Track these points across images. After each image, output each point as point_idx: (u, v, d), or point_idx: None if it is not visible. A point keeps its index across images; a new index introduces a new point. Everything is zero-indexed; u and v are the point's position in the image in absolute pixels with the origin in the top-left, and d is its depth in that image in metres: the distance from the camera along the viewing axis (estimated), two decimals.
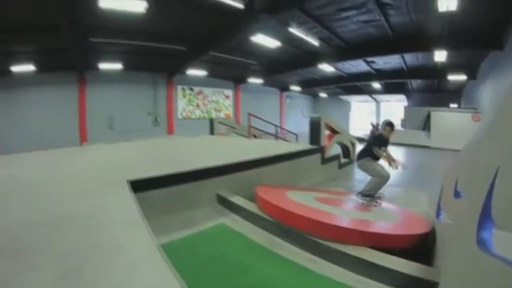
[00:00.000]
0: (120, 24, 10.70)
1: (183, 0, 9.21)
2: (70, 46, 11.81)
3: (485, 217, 1.11)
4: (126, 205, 2.29)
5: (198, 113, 19.28)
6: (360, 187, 4.63)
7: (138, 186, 2.69)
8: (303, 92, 25.11)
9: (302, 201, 2.99)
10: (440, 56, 12.68)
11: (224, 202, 3.23)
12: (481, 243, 1.06)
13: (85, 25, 10.52)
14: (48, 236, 1.71)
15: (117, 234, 1.77)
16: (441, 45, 11.73)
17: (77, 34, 10.88)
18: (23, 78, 14.98)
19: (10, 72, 14.03)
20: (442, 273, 1.66)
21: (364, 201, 3.94)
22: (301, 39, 11.68)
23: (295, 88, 22.35)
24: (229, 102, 20.78)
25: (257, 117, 11.32)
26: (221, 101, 20.29)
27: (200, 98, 19.36)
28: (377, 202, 4.01)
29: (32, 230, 1.80)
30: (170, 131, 17.89)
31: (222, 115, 19.80)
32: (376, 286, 1.95)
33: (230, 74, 18.62)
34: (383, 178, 4.19)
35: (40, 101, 15.95)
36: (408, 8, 9.70)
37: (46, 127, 15.83)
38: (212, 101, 19.98)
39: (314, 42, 12.06)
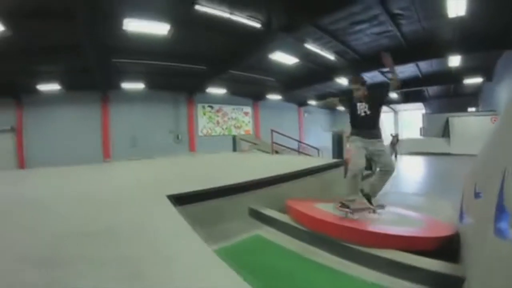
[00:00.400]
0: (143, 45, 11.20)
1: (203, 21, 9.64)
2: (93, 67, 12.38)
3: (500, 210, 1.25)
4: (172, 216, 2.43)
5: (218, 130, 19.63)
6: (383, 198, 4.66)
7: (177, 200, 2.83)
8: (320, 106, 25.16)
9: (332, 211, 3.12)
10: (454, 60, 12.66)
11: (256, 215, 3.36)
12: (498, 232, 1.21)
13: (108, 46, 11.05)
14: (105, 244, 1.83)
15: (171, 242, 1.89)
16: (454, 49, 11.75)
17: (100, 55, 11.41)
18: (49, 97, 15.71)
19: (37, 90, 14.73)
20: (467, 268, 1.76)
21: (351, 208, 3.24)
22: (317, 54, 11.91)
23: (313, 102, 22.47)
24: (248, 119, 21.02)
25: (279, 133, 11.46)
26: (240, 118, 20.55)
27: (220, 116, 19.70)
28: (378, 209, 3.43)
29: (90, 238, 1.92)
30: (191, 149, 18.22)
31: (242, 131, 20.03)
32: (407, 286, 2.04)
33: (249, 91, 18.95)
34: (393, 167, 3.79)
35: (65, 118, 16.65)
36: (419, 16, 9.82)
37: (70, 143, 16.45)
38: (232, 118, 20.24)
39: (330, 56, 12.25)
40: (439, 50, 12.07)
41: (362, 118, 3.85)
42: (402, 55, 12.64)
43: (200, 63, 13.11)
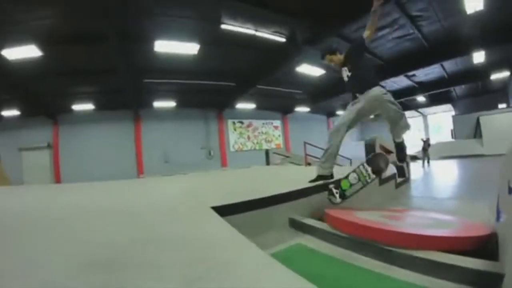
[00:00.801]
0: (173, 65, 11.77)
1: (230, 39, 10.00)
2: (126, 87, 12.97)
3: None
4: (221, 225, 2.53)
5: (249, 144, 20.00)
6: (419, 203, 4.64)
7: (220, 211, 2.94)
8: None
9: (371, 218, 3.20)
10: (478, 56, 12.45)
11: (296, 225, 3.46)
12: None
13: (140, 68, 11.60)
14: (163, 250, 1.89)
15: (226, 247, 1.95)
16: (477, 45, 11.64)
17: (132, 76, 11.97)
18: (83, 115, 16.56)
19: (72, 110, 15.55)
20: (506, 264, 1.80)
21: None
22: None
23: (341, 112, 22.43)
24: (278, 133, 21.28)
25: (312, 145, 11.49)
26: (270, 132, 20.84)
27: (250, 130, 20.01)
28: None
29: (147, 245, 1.98)
30: (223, 164, 18.51)
31: (272, 145, 20.29)
32: (447, 285, 2.08)
33: (278, 105, 19.29)
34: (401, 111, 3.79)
35: (99, 136, 17.60)
36: (438, 15, 9.82)
37: (104, 160, 17.31)
38: (262, 133, 20.49)
39: None
40: (462, 48, 11.96)
41: (348, 82, 3.98)
42: (425, 56, 12.56)
43: (229, 79, 13.51)
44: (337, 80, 14.95)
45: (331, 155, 4.00)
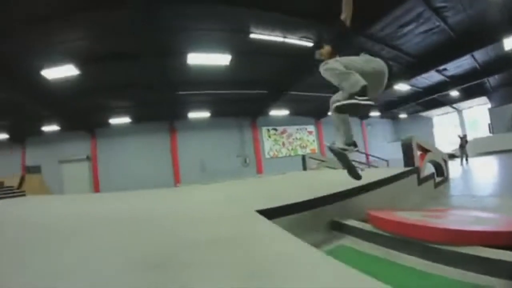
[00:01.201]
0: (205, 76, 12.10)
1: (260, 47, 10.18)
2: (160, 100, 13.46)
3: None
4: (269, 227, 2.62)
5: (284, 151, 20.13)
6: (460, 202, 4.57)
7: (265, 215, 3.01)
8: (382, 116, 24.41)
9: (414, 216, 3.21)
10: (510, 42, 11.87)
11: (338, 227, 3.53)
12: None
13: (173, 81, 12.00)
14: (216, 251, 1.93)
15: (278, 246, 1.99)
16: (506, 30, 11.14)
17: (166, 89, 12.41)
18: (120, 129, 17.39)
19: (109, 124, 16.28)
20: None
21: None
22: None
23: (375, 114, 21.96)
24: (312, 138, 21.14)
25: None
26: (305, 137, 20.85)
27: (285, 137, 20.04)
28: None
29: (200, 247, 2.03)
30: (259, 171, 18.63)
31: (307, 151, 20.31)
32: (491, 280, 2.07)
33: (310, 110, 19.34)
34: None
35: (136, 147, 18.40)
36: (462, 4, 9.63)
37: (141, 170, 18.00)
38: (297, 139, 20.47)
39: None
40: (491, 35, 11.55)
41: None
42: (454, 48, 12.25)
43: (261, 87, 13.72)
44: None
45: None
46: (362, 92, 3.08)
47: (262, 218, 2.93)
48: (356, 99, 3.08)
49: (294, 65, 11.77)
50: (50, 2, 7.72)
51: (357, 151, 3.84)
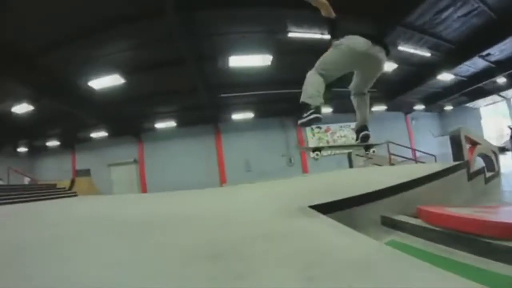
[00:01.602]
0: (246, 78, 12.27)
1: (299, 46, 10.19)
2: (204, 104, 13.84)
3: None
4: (324, 221, 2.65)
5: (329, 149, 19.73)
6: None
7: (318, 210, 3.07)
8: (427, 110, 23.35)
9: (467, 211, 3.18)
10: None
11: (389, 222, 3.53)
12: None
13: (216, 84, 12.32)
14: (274, 244, 1.96)
15: (337, 239, 1.99)
16: None
17: (209, 93, 12.76)
18: (166, 133, 18.16)
19: (154, 128, 17.00)
20: None
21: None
22: (412, 55, 11.65)
23: (419, 107, 21.20)
24: None
25: (397, 144, 11.44)
26: (349, 134, 20.37)
27: (329, 135, 19.80)
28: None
29: (258, 240, 2.07)
30: (304, 170, 18.59)
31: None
32: None
33: (353, 106, 18.72)
34: None
35: (181, 150, 19.14)
36: None
37: (188, 172, 18.57)
38: (341, 136, 20.15)
39: (425, 53, 11.87)
40: None
41: None
42: (497, 31, 11.57)
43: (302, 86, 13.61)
44: (412, 74, 14.46)
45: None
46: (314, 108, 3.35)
47: (315, 212, 2.99)
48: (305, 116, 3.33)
49: None
50: (95, 16, 8.24)
51: (366, 144, 3.88)
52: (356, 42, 3.18)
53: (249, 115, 17.88)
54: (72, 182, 17.62)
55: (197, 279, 1.44)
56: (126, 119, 17.79)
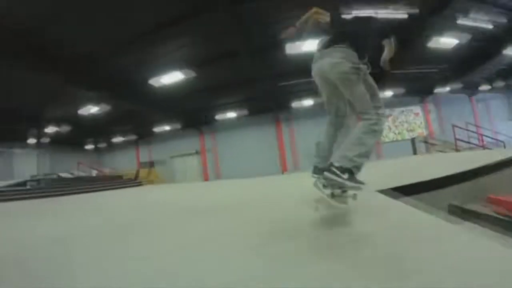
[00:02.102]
0: (303, 65, 12.03)
1: (355, 26, 9.76)
2: (264, 93, 14.03)
3: None
4: (391, 203, 2.80)
5: (391, 136, 19.06)
6: None
7: (385, 194, 3.17)
8: (493, 90, 21.15)
9: None
10: None
11: (457, 210, 3.40)
12: None
13: (275, 73, 12.40)
14: (342, 224, 2.20)
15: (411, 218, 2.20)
16: None
17: (269, 82, 12.89)
18: (226, 124, 18.79)
19: (215, 120, 17.62)
20: None
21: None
22: (474, 28, 10.83)
23: (485, 88, 19.43)
24: (420, 120, 19.59)
25: (464, 129, 10.69)
26: (411, 120, 19.46)
27: (391, 120, 19.04)
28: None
29: (326, 222, 2.31)
30: None
31: (415, 134, 18.66)
32: None
33: (415, 89, 17.81)
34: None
35: (241, 139, 19.41)
36: None
37: (248, 160, 18.96)
38: (403, 122, 19.35)
39: (487, 25, 10.92)
40: None
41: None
42: None
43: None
44: (475, 50, 13.41)
45: None
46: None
47: (383, 196, 3.11)
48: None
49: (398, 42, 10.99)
50: (157, 15, 8.68)
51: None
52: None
53: (309, 102, 17.50)
54: (137, 173, 20.57)
55: None
56: (188, 113, 18.67)
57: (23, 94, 13.01)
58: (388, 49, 3.05)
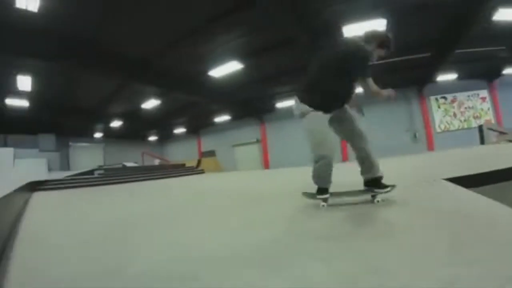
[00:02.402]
0: None
1: (416, 5, 9.14)
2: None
3: None
4: (461, 192, 2.73)
5: (456, 123, 17.15)
6: None
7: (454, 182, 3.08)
8: None
9: None
10: None
11: None
12: None
13: None
14: (408, 209, 2.33)
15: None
16: None
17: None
18: (286, 111, 18.83)
19: (275, 108, 17.61)
20: None
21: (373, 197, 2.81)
22: None
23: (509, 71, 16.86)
24: (487, 106, 17.32)
25: None
26: (478, 105, 17.29)
27: (455, 106, 17.12)
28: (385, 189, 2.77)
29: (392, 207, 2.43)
30: (429, 147, 16.65)
31: (482, 122, 16.58)
32: None
33: (481, 70, 15.96)
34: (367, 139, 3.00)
35: (300, 128, 19.25)
36: None
37: (307, 149, 18.79)
38: (469, 108, 17.18)
39: None
40: None
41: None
42: None
43: (422, 50, 12.18)
44: None
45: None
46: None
47: (452, 185, 3.01)
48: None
49: (457, 17, 10.14)
50: (214, 6, 8.80)
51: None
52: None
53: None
54: (199, 162, 21.71)
55: None
56: (248, 102, 18.97)
57: (92, 94, 14.80)
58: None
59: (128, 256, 1.91)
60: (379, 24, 9.11)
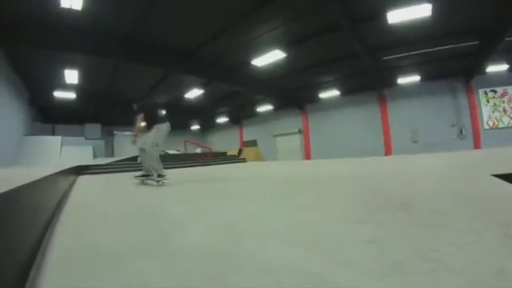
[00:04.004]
0: (407, 36, 10.90)
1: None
2: (366, 69, 13.49)
3: None
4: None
5: (506, 120, 15.32)
6: None
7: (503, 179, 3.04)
8: None
9: None
10: None
11: None
12: None
13: (377, 47, 11.73)
14: (454, 201, 2.32)
15: None
16: None
17: (372, 57, 12.32)
18: (329, 102, 18.71)
19: (318, 98, 17.77)
20: None
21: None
22: None
23: None
24: None
25: None
26: None
27: (506, 101, 15.24)
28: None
29: (437, 198, 2.46)
30: (476, 145, 15.36)
31: None
32: None
33: None
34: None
35: (343, 119, 19.06)
36: None
37: (350, 140, 18.53)
38: None
39: None
40: None
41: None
42: None
43: (470, 38, 11.34)
44: None
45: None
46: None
47: (500, 181, 2.98)
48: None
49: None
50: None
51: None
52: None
53: (414, 78, 15.83)
54: (240, 151, 21.95)
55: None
56: (290, 92, 19.10)
57: (138, 86, 15.79)
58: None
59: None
60: (423, 9, 8.69)
